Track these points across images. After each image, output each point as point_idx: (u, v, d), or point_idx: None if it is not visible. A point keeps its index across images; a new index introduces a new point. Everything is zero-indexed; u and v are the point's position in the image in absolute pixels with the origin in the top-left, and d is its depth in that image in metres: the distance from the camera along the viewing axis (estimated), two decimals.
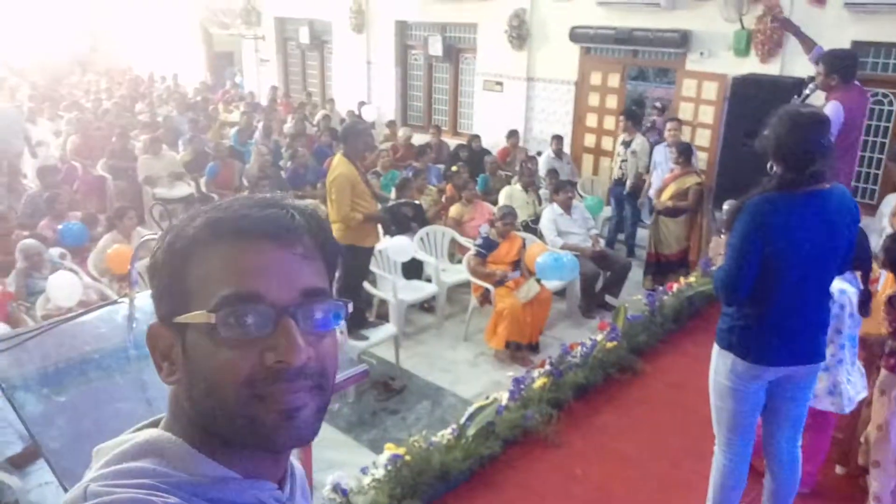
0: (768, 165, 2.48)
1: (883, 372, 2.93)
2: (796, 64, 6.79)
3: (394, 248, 5.40)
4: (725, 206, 2.80)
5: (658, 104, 8.37)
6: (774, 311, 2.48)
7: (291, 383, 0.69)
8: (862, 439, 3.21)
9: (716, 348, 2.67)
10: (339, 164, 4.90)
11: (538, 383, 3.83)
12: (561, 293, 6.17)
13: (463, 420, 3.41)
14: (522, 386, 3.72)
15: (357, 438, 4.37)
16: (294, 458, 0.85)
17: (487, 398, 3.68)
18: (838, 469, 3.49)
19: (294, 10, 12.73)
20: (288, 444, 0.72)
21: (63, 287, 4.60)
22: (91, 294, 4.83)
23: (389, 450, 3.09)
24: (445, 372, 5.20)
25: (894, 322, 2.86)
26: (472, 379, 5.06)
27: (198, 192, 8.21)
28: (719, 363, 2.64)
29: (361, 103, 11.69)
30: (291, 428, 0.70)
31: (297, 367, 0.69)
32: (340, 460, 3.88)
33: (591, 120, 9.18)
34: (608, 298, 6.22)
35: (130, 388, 1.62)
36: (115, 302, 2.12)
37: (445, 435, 3.33)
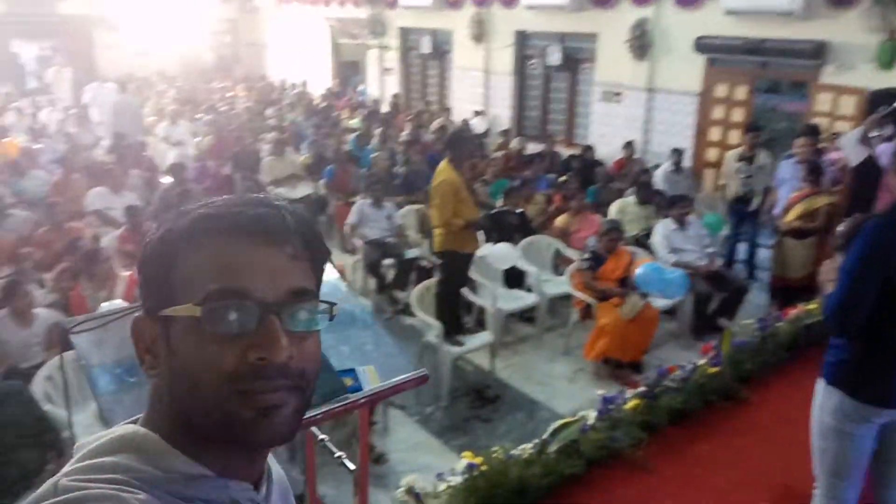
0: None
1: None
2: None
3: (495, 254, 5.38)
4: (840, 228, 2.56)
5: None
6: (890, 346, 2.24)
7: (271, 381, 0.70)
8: None
9: (821, 383, 2.45)
10: (443, 170, 4.94)
11: (630, 404, 3.67)
12: (672, 312, 5.91)
13: (546, 435, 3.32)
14: (612, 406, 3.57)
15: (447, 443, 4.38)
16: (274, 463, 0.85)
17: (575, 415, 3.57)
18: None
19: (418, 21, 13.08)
20: (264, 441, 0.72)
21: None
22: None
23: (466, 458, 3.05)
24: (542, 385, 5.11)
25: None
26: (568, 395, 4.93)
27: (316, 193, 8.57)
28: (825, 400, 2.42)
29: (476, 112, 11.78)
30: (268, 425, 0.70)
31: (278, 365, 0.69)
32: (428, 463, 3.92)
33: (715, 133, 8.77)
34: (722, 321, 5.87)
35: None
36: None
37: (526, 449, 3.25)
